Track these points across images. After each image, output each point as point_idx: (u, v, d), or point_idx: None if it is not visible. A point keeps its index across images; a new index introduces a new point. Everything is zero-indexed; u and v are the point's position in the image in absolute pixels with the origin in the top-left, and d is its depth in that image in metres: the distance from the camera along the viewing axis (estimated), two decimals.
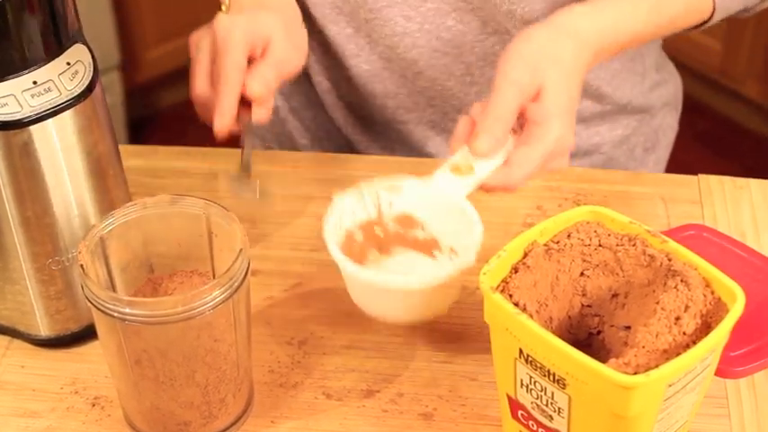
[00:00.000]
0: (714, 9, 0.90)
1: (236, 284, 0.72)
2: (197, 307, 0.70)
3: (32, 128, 0.75)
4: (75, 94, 0.77)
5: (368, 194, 0.82)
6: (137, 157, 0.99)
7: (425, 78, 1.02)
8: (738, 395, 0.79)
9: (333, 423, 0.78)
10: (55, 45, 0.76)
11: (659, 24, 0.89)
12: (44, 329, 0.83)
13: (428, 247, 0.82)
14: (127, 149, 0.86)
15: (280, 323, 0.86)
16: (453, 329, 0.84)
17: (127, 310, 0.70)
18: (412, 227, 0.83)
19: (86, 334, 0.84)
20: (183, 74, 2.64)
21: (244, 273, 0.73)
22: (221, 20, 0.90)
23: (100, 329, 0.74)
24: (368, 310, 0.80)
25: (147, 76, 2.50)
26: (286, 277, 0.90)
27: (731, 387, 0.80)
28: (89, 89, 0.77)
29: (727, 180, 0.98)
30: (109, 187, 0.82)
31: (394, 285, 0.76)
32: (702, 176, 0.98)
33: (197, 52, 0.92)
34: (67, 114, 0.76)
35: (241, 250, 0.72)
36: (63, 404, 0.80)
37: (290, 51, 0.91)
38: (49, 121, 0.76)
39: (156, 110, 2.64)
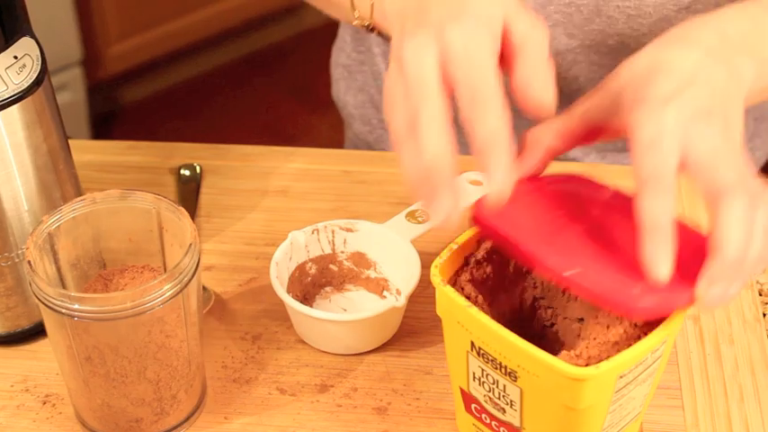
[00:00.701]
0: None
1: (186, 279, 0.71)
2: (147, 302, 0.69)
3: None
4: (23, 87, 0.75)
5: (323, 231, 0.85)
6: (87, 152, 0.98)
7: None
8: (692, 385, 0.79)
9: (286, 418, 0.78)
10: (1, 39, 0.75)
11: None
12: None
13: (379, 286, 0.86)
14: (76, 144, 0.85)
15: (233, 318, 0.85)
16: (408, 323, 0.84)
17: (76, 307, 0.69)
18: (365, 266, 0.86)
19: (38, 331, 0.83)
20: (145, 70, 2.64)
21: (194, 267, 0.72)
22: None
23: (49, 327, 0.73)
24: (309, 342, 0.83)
25: (109, 72, 2.48)
26: (240, 272, 0.89)
27: (685, 377, 0.80)
28: (37, 83, 0.76)
29: None
30: (59, 182, 0.81)
31: (324, 318, 0.80)
32: None
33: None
34: (15, 108, 0.75)
35: (191, 245, 0.72)
36: (13, 402, 0.79)
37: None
38: None
39: (120, 105, 2.63)
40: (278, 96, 2.63)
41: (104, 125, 2.56)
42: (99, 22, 2.39)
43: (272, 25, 2.77)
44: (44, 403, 0.79)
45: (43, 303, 0.70)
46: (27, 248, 0.71)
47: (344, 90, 1.18)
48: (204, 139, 1.08)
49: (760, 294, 0.86)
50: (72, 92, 2.30)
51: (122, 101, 2.63)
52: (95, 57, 2.42)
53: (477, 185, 0.84)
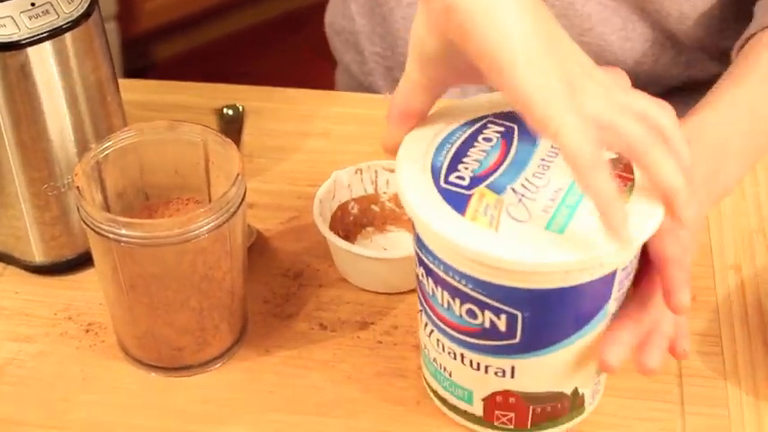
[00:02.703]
0: None
1: (232, 210, 0.72)
2: (193, 230, 0.70)
3: (29, 50, 0.75)
4: (74, 17, 0.76)
5: (366, 172, 0.85)
6: (133, 92, 0.99)
7: (592, 34, 1.00)
8: (732, 334, 0.79)
9: (326, 353, 0.78)
10: None
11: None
12: (39, 256, 0.83)
13: None
14: (123, 83, 0.86)
15: (275, 255, 0.86)
16: None
17: (123, 232, 0.70)
18: None
19: (81, 261, 0.84)
20: (178, 27, 2.64)
21: (240, 199, 0.72)
22: None
23: (95, 253, 0.74)
24: (350, 280, 0.83)
25: (143, 27, 2.48)
26: (282, 211, 0.89)
27: (725, 325, 0.80)
28: (87, 14, 0.77)
29: None
30: (106, 114, 0.81)
31: (365, 255, 0.80)
32: None
33: None
34: (65, 38, 0.76)
35: (238, 175, 0.72)
36: (56, 329, 0.80)
37: None
38: (47, 43, 0.75)
39: (152, 62, 2.63)
40: (307, 56, 2.63)
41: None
42: None
43: None
44: (87, 331, 0.80)
45: (91, 228, 0.71)
46: (76, 174, 0.72)
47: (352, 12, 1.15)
48: None
49: None
50: None
51: (155, 57, 2.64)
52: (130, 11, 2.42)
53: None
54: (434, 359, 0.71)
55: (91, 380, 0.77)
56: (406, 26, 1.01)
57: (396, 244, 0.86)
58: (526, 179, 0.65)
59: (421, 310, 0.71)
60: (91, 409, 0.75)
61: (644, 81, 0.83)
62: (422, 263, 0.67)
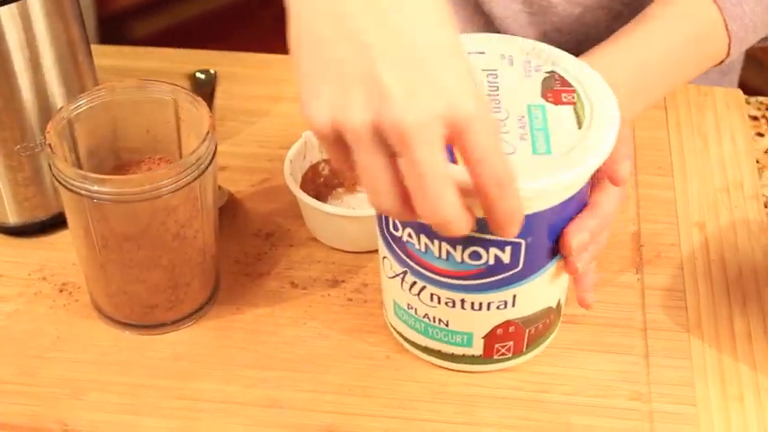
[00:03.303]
0: (730, 47, 0.86)
1: (202, 167, 0.72)
2: (163, 186, 0.71)
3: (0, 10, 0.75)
4: None
5: None
6: (106, 57, 0.99)
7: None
8: (696, 288, 0.81)
9: (298, 310, 0.79)
10: None
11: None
12: (12, 217, 0.84)
13: None
14: (96, 49, 0.86)
15: (247, 216, 0.87)
16: None
17: (95, 188, 0.70)
18: None
19: (54, 223, 0.84)
20: (155, 4, 2.62)
21: (210, 156, 0.73)
22: None
23: (68, 211, 0.74)
24: (321, 239, 0.85)
25: (121, 4, 2.48)
26: (254, 173, 0.90)
27: (689, 280, 0.81)
28: None
29: (692, 87, 0.99)
30: (78, 75, 0.82)
31: (336, 213, 0.81)
32: None
33: None
34: None
35: (208, 133, 0.73)
36: (31, 289, 0.81)
37: None
38: (15, 5, 0.75)
39: (129, 40, 2.63)
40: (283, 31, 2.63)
41: None
42: None
43: None
44: (60, 291, 0.81)
45: (63, 186, 0.71)
46: (48, 132, 0.73)
47: None
48: None
49: (766, 207, 0.87)
50: None
51: (132, 35, 2.63)
52: None
53: None
54: (425, 315, 0.73)
55: (65, 338, 0.78)
56: None
57: (365, 204, 0.86)
58: None
59: (399, 275, 0.72)
60: (65, 366, 0.76)
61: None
62: (407, 223, 0.68)
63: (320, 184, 0.87)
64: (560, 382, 0.75)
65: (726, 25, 0.83)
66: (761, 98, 0.99)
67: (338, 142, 0.59)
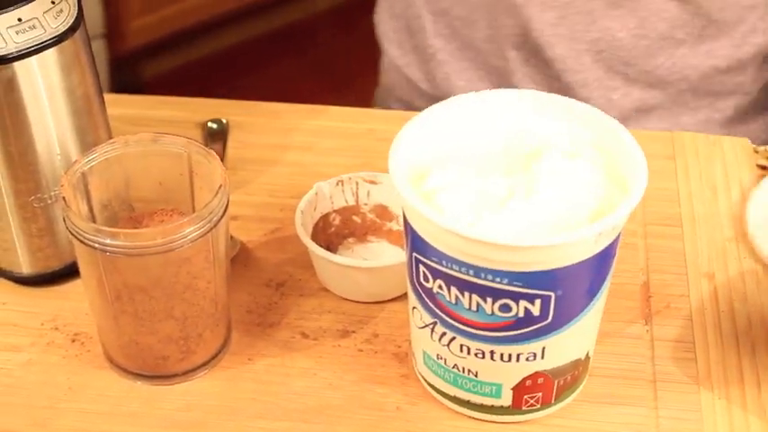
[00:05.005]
0: None
1: (215, 219, 0.73)
2: (177, 240, 0.71)
3: (16, 64, 0.76)
4: (60, 32, 0.77)
5: (347, 183, 0.87)
6: (118, 106, 1.00)
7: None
8: (705, 339, 0.81)
9: (309, 361, 0.80)
10: None
11: None
12: (25, 267, 0.85)
13: (401, 239, 0.87)
14: (109, 98, 0.87)
15: (258, 266, 0.87)
16: None
17: (108, 242, 0.71)
18: (387, 218, 0.88)
19: (67, 272, 0.85)
20: (167, 44, 2.65)
21: (223, 209, 0.74)
22: None
23: (81, 263, 0.75)
24: (332, 289, 0.85)
25: (131, 45, 2.50)
26: (265, 222, 0.91)
27: (698, 331, 0.82)
28: (72, 29, 0.78)
29: (701, 137, 1.00)
30: (92, 127, 0.83)
31: (346, 264, 0.82)
32: (676, 133, 1.00)
33: None
34: (51, 52, 0.77)
35: (221, 186, 0.74)
36: (43, 339, 0.82)
37: None
38: (33, 58, 0.76)
39: (142, 80, 2.65)
40: (298, 75, 2.65)
41: None
42: None
43: (294, 3, 2.79)
44: (73, 341, 0.82)
45: (77, 239, 0.72)
46: (62, 185, 0.74)
47: (381, 13, 1.23)
48: None
49: None
50: None
51: (144, 76, 2.65)
52: (117, 30, 2.44)
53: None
54: (455, 365, 0.73)
55: (77, 388, 0.78)
56: None
57: (376, 254, 0.87)
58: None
59: (429, 325, 0.72)
60: (76, 417, 0.76)
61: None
62: (438, 274, 0.69)
63: (331, 234, 0.88)
64: None
65: None
66: None
67: None
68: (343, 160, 0.96)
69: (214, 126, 1.00)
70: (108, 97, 0.87)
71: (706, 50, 1.10)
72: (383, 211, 0.88)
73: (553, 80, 1.11)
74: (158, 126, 1.00)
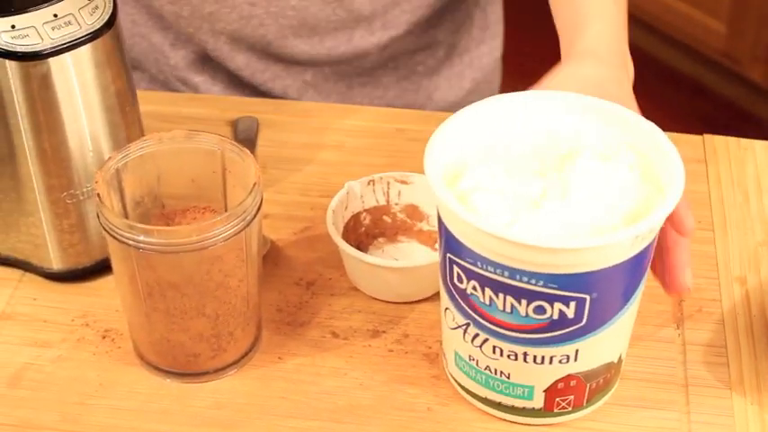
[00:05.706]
0: None
1: (248, 218, 0.73)
2: (210, 238, 0.71)
3: (51, 60, 0.76)
4: (95, 28, 0.78)
5: (378, 183, 0.87)
6: (150, 103, 1.00)
7: (276, 46, 1.07)
8: (737, 344, 0.81)
9: (339, 360, 0.80)
10: None
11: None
12: (56, 263, 0.85)
13: (431, 239, 0.87)
14: (141, 95, 0.87)
15: (288, 264, 0.87)
16: None
17: (141, 239, 0.71)
18: (418, 219, 0.87)
19: (98, 269, 0.85)
20: None
21: (256, 207, 0.74)
22: None
23: (114, 259, 0.75)
24: (362, 289, 0.85)
25: None
26: (296, 221, 0.91)
27: (730, 336, 0.81)
28: (108, 25, 0.79)
29: (732, 140, 0.99)
30: (124, 124, 0.83)
31: (377, 264, 0.82)
32: (707, 136, 1.00)
33: None
34: (86, 48, 0.77)
35: (255, 184, 0.74)
36: (74, 335, 0.82)
37: None
38: (68, 54, 0.77)
39: None
40: None
41: None
42: None
43: None
44: (103, 338, 0.82)
45: (110, 235, 0.72)
46: (96, 182, 0.74)
47: None
48: None
49: None
50: None
51: None
52: None
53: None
54: (487, 367, 0.73)
55: (107, 385, 0.78)
56: None
57: (406, 254, 0.87)
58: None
59: (462, 326, 0.72)
60: (107, 413, 0.77)
61: None
62: (473, 275, 0.69)
63: (361, 233, 0.87)
64: None
65: None
66: None
67: None
68: (373, 160, 0.96)
69: (245, 123, 1.00)
70: (140, 93, 0.87)
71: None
72: (414, 211, 0.88)
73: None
74: (189, 123, 1.00)
